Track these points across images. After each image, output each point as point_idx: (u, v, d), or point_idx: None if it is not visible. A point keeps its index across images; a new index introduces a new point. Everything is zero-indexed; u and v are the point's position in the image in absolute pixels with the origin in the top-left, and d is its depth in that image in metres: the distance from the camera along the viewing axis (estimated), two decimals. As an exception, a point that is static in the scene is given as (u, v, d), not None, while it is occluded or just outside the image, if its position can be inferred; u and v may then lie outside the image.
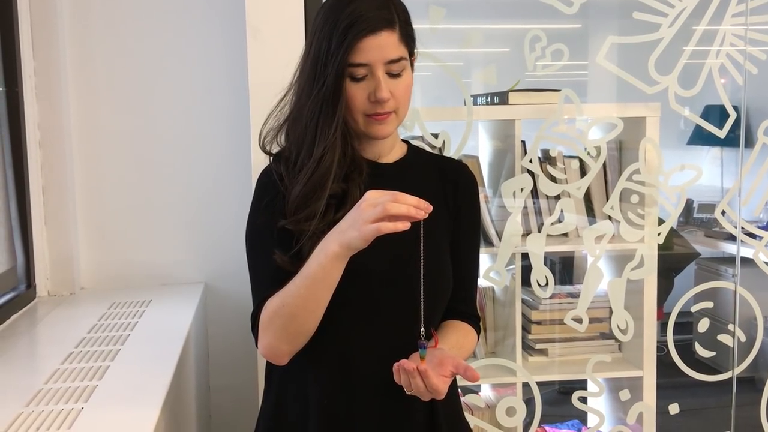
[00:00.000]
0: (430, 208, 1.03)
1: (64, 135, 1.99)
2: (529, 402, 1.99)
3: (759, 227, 2.04)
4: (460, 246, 1.29)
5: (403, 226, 1.01)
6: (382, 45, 1.13)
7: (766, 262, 2.01)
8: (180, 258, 2.12)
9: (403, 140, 1.33)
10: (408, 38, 1.19)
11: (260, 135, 1.27)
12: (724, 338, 2.05)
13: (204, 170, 2.10)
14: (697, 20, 1.90)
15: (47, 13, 1.94)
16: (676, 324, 2.01)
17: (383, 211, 1.00)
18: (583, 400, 2.07)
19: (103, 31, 2.04)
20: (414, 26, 1.21)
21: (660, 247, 2.01)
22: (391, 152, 1.28)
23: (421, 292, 1.12)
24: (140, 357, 1.50)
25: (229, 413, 2.15)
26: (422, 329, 1.11)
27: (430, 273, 1.13)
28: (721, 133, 1.96)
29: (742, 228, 2.04)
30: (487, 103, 2.13)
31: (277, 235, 1.17)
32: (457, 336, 1.26)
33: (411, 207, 1.01)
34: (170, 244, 2.11)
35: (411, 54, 1.21)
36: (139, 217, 2.10)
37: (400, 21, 1.17)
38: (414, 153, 1.32)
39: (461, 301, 1.30)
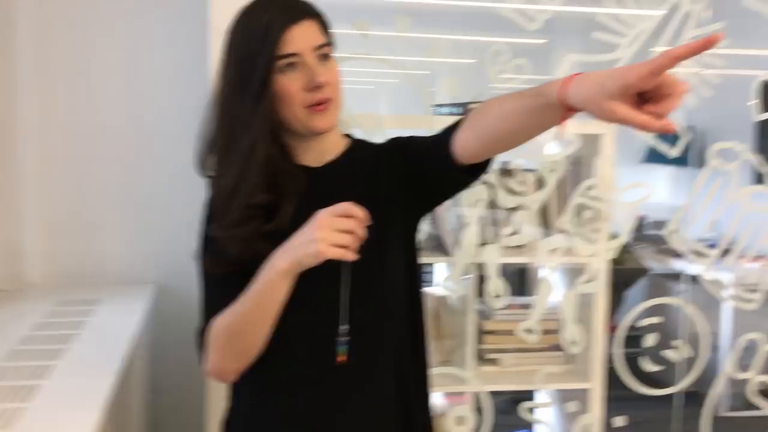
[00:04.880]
0: (367, 221, 1.03)
1: (13, 125, 1.94)
2: (479, 411, 2.00)
3: (707, 246, 2.10)
4: (417, 158, 1.20)
5: (352, 256, 1.02)
6: (307, 33, 1.12)
7: (712, 281, 2.06)
8: (132, 256, 2.08)
9: (346, 135, 1.28)
10: (327, 29, 1.17)
11: (198, 160, 1.21)
12: (671, 353, 2.09)
13: (159, 167, 2.07)
14: (655, 41, 1.94)
15: (5, 6, 1.89)
16: (627, 338, 2.04)
17: (332, 239, 1.01)
18: (532, 410, 2.09)
19: (62, 25, 1.99)
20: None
21: (612, 262, 2.05)
22: (334, 151, 1.23)
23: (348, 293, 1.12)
24: (86, 357, 1.47)
25: (177, 419, 2.11)
26: (342, 327, 1.12)
27: (364, 277, 1.13)
28: (674, 153, 2.01)
29: (691, 247, 2.09)
30: (452, 113, 2.14)
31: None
32: (500, 101, 1.08)
33: (351, 240, 1.02)
34: (122, 243, 2.08)
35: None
36: (91, 214, 2.05)
37: (316, 13, 1.16)
38: (353, 150, 1.26)
39: (445, 135, 1.15)
